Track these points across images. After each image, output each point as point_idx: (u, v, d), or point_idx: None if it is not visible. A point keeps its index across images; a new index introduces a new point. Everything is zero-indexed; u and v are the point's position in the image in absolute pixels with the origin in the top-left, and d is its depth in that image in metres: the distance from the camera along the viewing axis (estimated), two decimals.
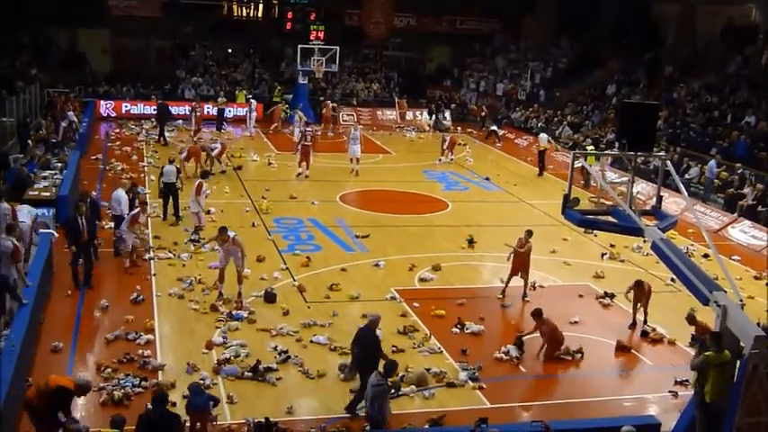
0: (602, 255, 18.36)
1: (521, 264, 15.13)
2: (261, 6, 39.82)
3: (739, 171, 23.42)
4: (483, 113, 36.14)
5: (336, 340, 12.86)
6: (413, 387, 11.48)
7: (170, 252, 16.65)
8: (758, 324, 9.62)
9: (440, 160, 28.20)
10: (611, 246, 18.69)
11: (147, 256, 16.21)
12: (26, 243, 14.32)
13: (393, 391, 10.57)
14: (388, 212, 21.29)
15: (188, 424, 9.50)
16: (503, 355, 12.77)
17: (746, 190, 22.39)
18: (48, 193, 18.17)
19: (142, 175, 23.46)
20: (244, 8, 39.79)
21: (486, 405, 11.29)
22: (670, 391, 12.01)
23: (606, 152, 25.69)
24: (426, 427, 10.48)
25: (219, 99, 33.23)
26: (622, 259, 18.18)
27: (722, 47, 32.31)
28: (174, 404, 10.11)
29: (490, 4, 42.14)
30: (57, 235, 15.76)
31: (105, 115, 33.73)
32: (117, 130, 30.99)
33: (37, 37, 36.08)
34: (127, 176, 22.17)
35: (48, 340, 12.23)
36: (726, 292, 9.57)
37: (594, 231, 18.66)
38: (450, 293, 15.40)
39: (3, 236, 12.76)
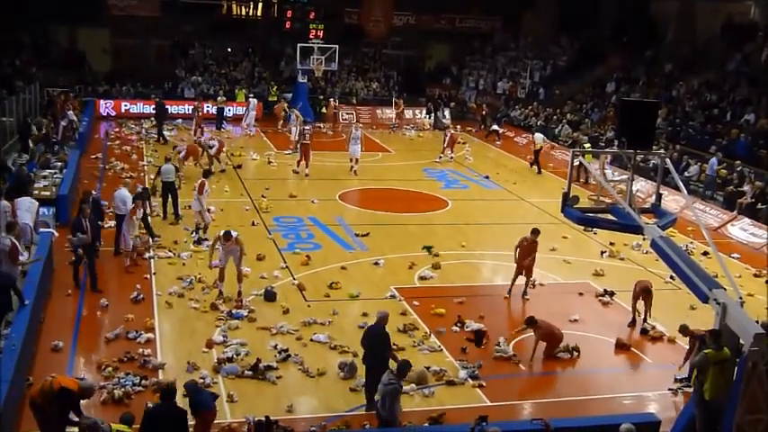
0: (602, 253, 18.38)
1: (525, 262, 15.16)
2: (260, 5, 39.77)
3: (739, 169, 23.43)
4: (484, 112, 36.13)
5: (336, 339, 12.88)
6: (413, 385, 11.48)
7: (170, 251, 16.66)
8: (757, 322, 9.65)
9: (440, 157, 28.29)
10: (611, 244, 18.69)
11: (147, 255, 16.22)
12: (27, 239, 14.34)
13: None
14: (387, 211, 21.32)
15: (192, 422, 9.47)
16: (502, 353, 12.79)
17: (746, 187, 22.39)
18: (48, 193, 18.20)
19: (142, 174, 23.46)
20: (243, 7, 39.75)
21: (486, 403, 11.30)
22: (669, 389, 12.03)
23: (605, 150, 25.72)
24: (426, 425, 10.49)
25: (219, 98, 33.28)
26: (622, 257, 18.20)
27: (722, 44, 32.30)
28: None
29: (489, 3, 42.14)
30: (56, 234, 15.78)
31: (105, 114, 33.75)
32: (116, 130, 31.01)
33: (37, 36, 36.09)
34: (127, 176, 22.24)
35: (48, 339, 12.24)
36: (725, 289, 9.58)
37: (594, 229, 18.72)
38: (450, 292, 15.41)
39: (2, 234, 12.77)
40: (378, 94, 40.40)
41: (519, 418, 10.90)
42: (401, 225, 20.06)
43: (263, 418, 9.90)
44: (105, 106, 34.14)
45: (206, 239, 17.11)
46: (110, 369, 11.39)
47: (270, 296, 14.43)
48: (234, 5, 39.58)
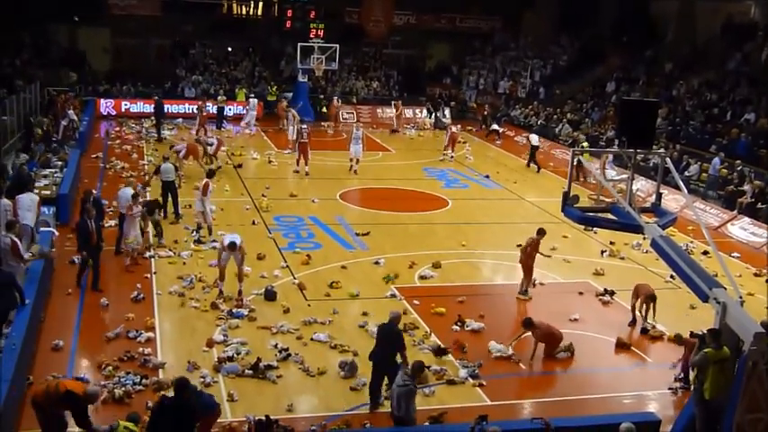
0: (602, 252, 18.38)
1: (530, 261, 15.24)
2: (261, 5, 39.74)
3: (739, 168, 23.44)
4: (485, 112, 36.10)
5: (337, 338, 12.89)
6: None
7: (170, 250, 16.66)
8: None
9: (445, 156, 28.48)
10: (611, 243, 18.70)
11: (147, 255, 16.22)
12: (28, 236, 14.34)
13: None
14: (388, 210, 21.33)
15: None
16: (496, 352, 12.79)
17: (746, 187, 22.39)
18: (48, 192, 18.21)
19: (143, 174, 23.45)
20: (243, 6, 39.72)
21: (487, 402, 11.30)
22: (670, 389, 12.03)
23: (606, 150, 25.73)
24: (427, 424, 10.48)
25: (219, 97, 33.31)
26: (622, 256, 18.20)
27: (722, 44, 32.31)
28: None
29: (489, 3, 42.11)
30: (57, 233, 15.78)
31: (105, 114, 33.77)
32: (117, 129, 31.02)
33: (37, 36, 36.09)
34: (128, 175, 22.28)
35: (48, 338, 12.24)
36: (725, 288, 9.59)
37: (594, 228, 18.72)
38: (451, 291, 15.42)
39: (2, 232, 12.78)
40: (378, 94, 40.42)
41: (519, 418, 10.90)
42: (401, 224, 20.06)
43: (264, 418, 9.90)
44: (106, 106, 34.16)
45: (212, 240, 17.12)
46: (110, 368, 11.39)
47: (270, 295, 14.43)
48: (234, 5, 39.55)
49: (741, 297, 9.74)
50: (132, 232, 15.74)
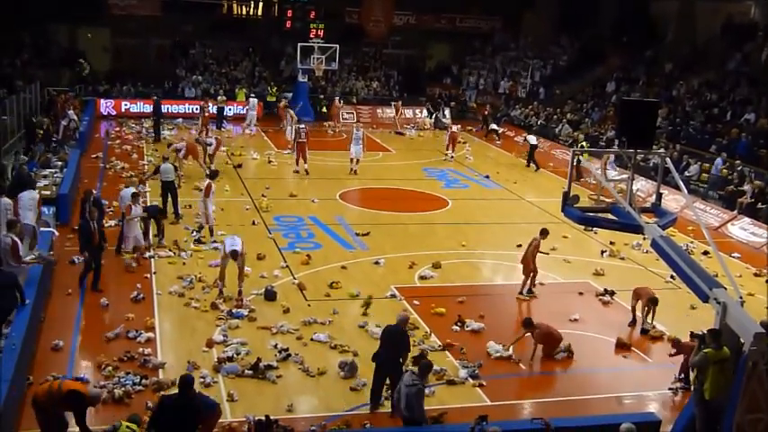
0: (602, 252, 18.38)
1: (526, 261, 15.27)
2: (261, 5, 39.77)
3: (739, 168, 23.44)
4: (486, 112, 36.08)
5: (337, 338, 12.88)
6: None
7: (170, 250, 16.66)
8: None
9: (449, 156, 28.51)
10: (611, 243, 18.70)
11: (147, 255, 16.21)
12: (29, 235, 14.33)
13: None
14: (388, 210, 21.33)
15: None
16: (494, 353, 12.79)
17: (746, 187, 22.39)
18: (48, 192, 18.20)
19: (141, 173, 23.44)
20: (243, 6, 39.75)
21: (487, 402, 11.29)
22: (670, 389, 12.03)
23: (606, 150, 25.73)
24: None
25: (219, 97, 33.31)
26: (622, 257, 18.20)
27: (722, 44, 32.32)
28: None
29: (489, 3, 42.12)
30: (57, 233, 15.77)
31: (105, 114, 33.77)
32: (117, 129, 31.03)
33: (37, 36, 36.09)
34: (128, 175, 22.28)
35: (48, 338, 12.24)
36: (725, 289, 9.58)
37: (594, 229, 18.72)
38: (451, 291, 15.41)
39: (3, 232, 12.77)
40: (378, 94, 40.43)
41: (519, 418, 10.90)
42: (401, 225, 20.06)
43: (264, 418, 9.89)
44: (106, 106, 34.16)
45: (213, 241, 17.12)
46: (110, 368, 11.38)
47: (270, 295, 14.43)
48: (234, 5, 39.57)
49: (741, 297, 9.73)
50: (132, 234, 15.68)
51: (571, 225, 17.30)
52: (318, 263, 16.55)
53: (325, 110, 36.20)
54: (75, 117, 26.39)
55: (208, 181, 17.88)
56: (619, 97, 31.33)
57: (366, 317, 13.80)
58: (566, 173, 13.99)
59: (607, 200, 12.61)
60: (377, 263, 16.78)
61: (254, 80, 38.97)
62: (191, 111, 34.15)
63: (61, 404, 8.94)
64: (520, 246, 17.66)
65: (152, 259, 16.08)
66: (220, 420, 9.94)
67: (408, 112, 37.56)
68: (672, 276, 15.17)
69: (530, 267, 15.31)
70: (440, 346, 12.88)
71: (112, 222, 17.59)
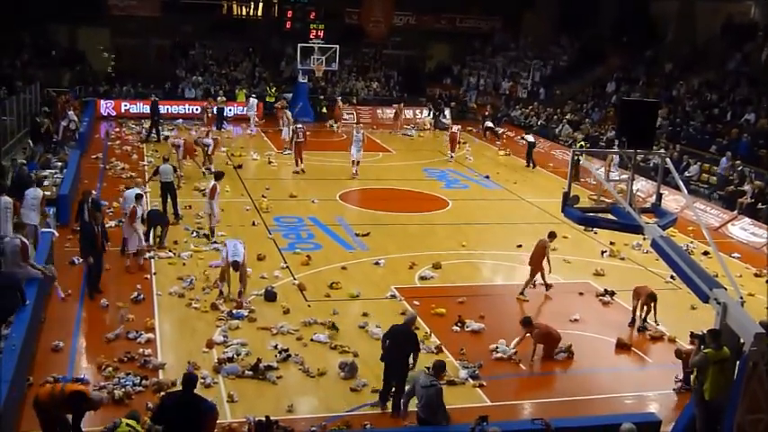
0: (602, 252, 18.37)
1: (533, 262, 15.28)
2: (261, 5, 39.81)
3: (739, 168, 23.43)
4: (487, 113, 36.04)
5: (337, 339, 12.88)
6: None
7: (170, 251, 16.65)
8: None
9: (450, 156, 28.57)
10: (611, 243, 18.69)
11: (147, 255, 16.20)
12: (31, 234, 14.33)
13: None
14: (388, 211, 21.32)
15: None
16: (501, 353, 12.78)
17: (746, 187, 22.38)
18: (48, 192, 18.17)
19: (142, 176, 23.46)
20: (243, 7, 39.79)
21: (487, 403, 11.29)
22: (673, 389, 12.02)
23: (606, 150, 25.72)
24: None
25: (219, 98, 33.32)
26: (622, 257, 18.19)
27: (722, 44, 32.31)
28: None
29: (489, 3, 42.14)
30: (57, 234, 15.76)
31: (105, 114, 33.77)
32: (117, 129, 31.02)
33: (37, 36, 36.10)
34: (128, 176, 22.27)
35: (48, 339, 12.23)
36: (726, 289, 9.58)
37: (594, 229, 18.71)
38: (451, 291, 15.41)
39: (11, 234, 12.76)
40: (378, 94, 40.44)
41: (519, 418, 10.89)
42: (401, 225, 20.06)
43: (264, 418, 9.90)
44: (106, 106, 34.16)
45: (213, 242, 17.10)
46: (110, 369, 11.37)
47: (270, 296, 14.42)
48: (234, 5, 39.61)
49: (741, 297, 9.73)
50: (133, 235, 15.60)
51: (571, 225, 17.26)
52: (318, 263, 16.54)
53: (325, 110, 36.20)
54: (75, 118, 26.38)
55: (213, 182, 17.72)
56: (619, 97, 31.34)
57: (366, 317, 13.78)
58: (565, 173, 13.99)
59: (607, 200, 12.61)
60: (377, 263, 16.78)
61: (254, 81, 38.97)
62: (190, 111, 34.13)
63: (63, 406, 8.94)
64: (520, 246, 17.70)
65: (152, 260, 16.06)
66: (220, 421, 9.96)
67: (408, 113, 37.55)
68: (672, 276, 15.16)
69: (538, 269, 15.30)
70: (435, 347, 12.85)
71: (112, 223, 17.58)
